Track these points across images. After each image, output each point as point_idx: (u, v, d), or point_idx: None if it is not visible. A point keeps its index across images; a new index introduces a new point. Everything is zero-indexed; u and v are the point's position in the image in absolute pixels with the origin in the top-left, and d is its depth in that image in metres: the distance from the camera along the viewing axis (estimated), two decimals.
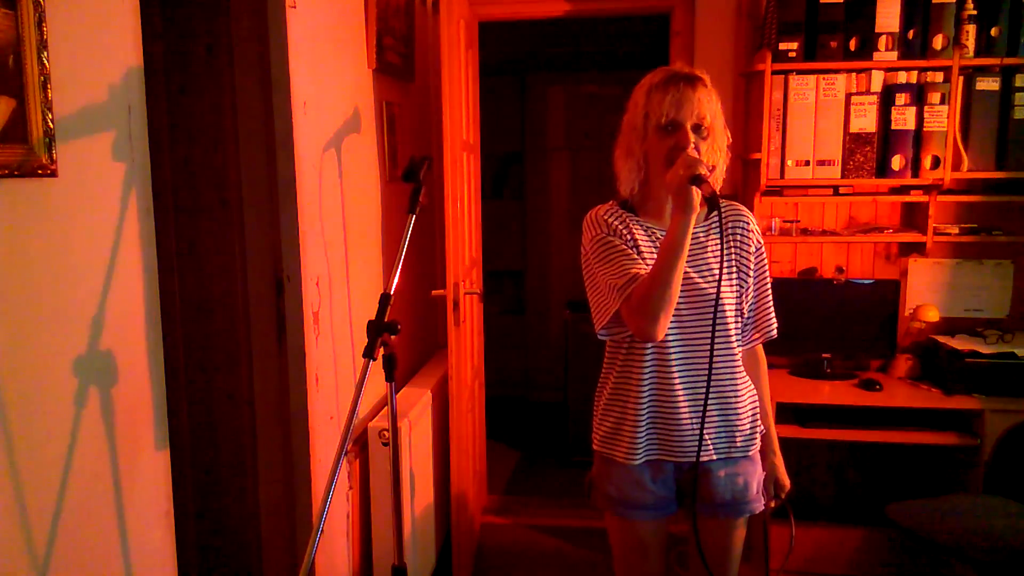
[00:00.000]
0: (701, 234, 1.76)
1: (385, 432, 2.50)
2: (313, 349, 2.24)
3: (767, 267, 1.83)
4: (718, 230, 1.75)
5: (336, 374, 2.42)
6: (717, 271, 1.72)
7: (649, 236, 1.76)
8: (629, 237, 1.74)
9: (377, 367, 1.63)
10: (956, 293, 3.13)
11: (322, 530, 1.40)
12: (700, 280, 1.73)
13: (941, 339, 3.00)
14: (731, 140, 1.77)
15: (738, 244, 1.79)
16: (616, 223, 1.75)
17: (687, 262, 1.64)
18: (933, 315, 3.04)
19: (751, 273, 1.80)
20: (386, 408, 1.82)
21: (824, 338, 3.11)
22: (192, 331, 2.22)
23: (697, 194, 1.55)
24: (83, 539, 1.45)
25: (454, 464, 2.90)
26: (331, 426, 2.37)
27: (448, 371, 2.84)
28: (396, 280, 1.67)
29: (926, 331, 3.11)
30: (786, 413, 2.83)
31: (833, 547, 2.98)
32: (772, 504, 1.91)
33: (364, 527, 2.62)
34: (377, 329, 1.58)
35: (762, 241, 1.83)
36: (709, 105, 1.68)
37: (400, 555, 1.81)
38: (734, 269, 1.79)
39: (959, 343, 2.93)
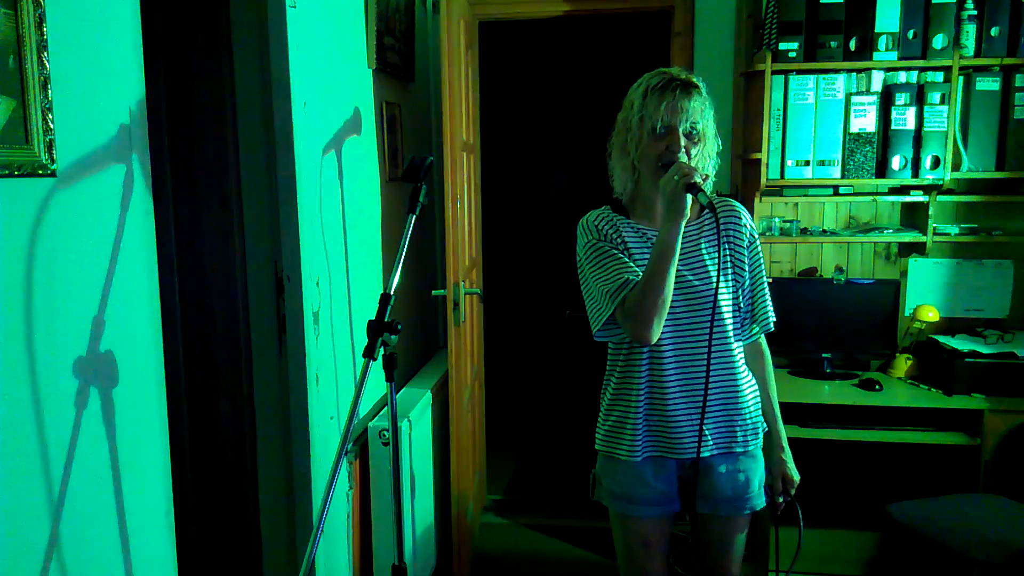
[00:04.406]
0: (693, 232, 1.77)
1: (385, 432, 2.50)
2: (313, 349, 2.24)
3: (761, 259, 1.84)
4: (710, 230, 1.77)
5: (336, 374, 2.42)
6: (711, 270, 1.74)
7: (640, 237, 1.77)
8: (620, 241, 1.76)
9: (377, 367, 1.64)
10: (956, 293, 3.13)
11: (322, 530, 1.40)
12: (694, 279, 1.74)
13: (941, 339, 3.00)
14: (721, 148, 1.78)
15: (731, 240, 1.80)
16: (607, 228, 1.78)
17: (680, 261, 1.66)
18: (933, 315, 3.04)
19: (746, 268, 1.81)
20: (386, 408, 1.83)
21: (824, 338, 3.11)
22: (192, 331, 2.22)
23: (690, 201, 1.58)
24: (83, 539, 1.45)
25: (454, 464, 2.90)
26: (331, 426, 2.37)
27: (448, 371, 2.84)
28: (396, 280, 1.67)
29: (926, 331, 3.11)
30: (786, 413, 2.79)
31: (833, 547, 2.97)
32: (780, 501, 1.90)
33: (364, 527, 2.62)
34: (377, 329, 1.58)
35: (756, 234, 1.84)
36: (703, 112, 1.71)
37: (400, 555, 1.81)
38: (729, 266, 1.79)
39: (959, 343, 2.93)
